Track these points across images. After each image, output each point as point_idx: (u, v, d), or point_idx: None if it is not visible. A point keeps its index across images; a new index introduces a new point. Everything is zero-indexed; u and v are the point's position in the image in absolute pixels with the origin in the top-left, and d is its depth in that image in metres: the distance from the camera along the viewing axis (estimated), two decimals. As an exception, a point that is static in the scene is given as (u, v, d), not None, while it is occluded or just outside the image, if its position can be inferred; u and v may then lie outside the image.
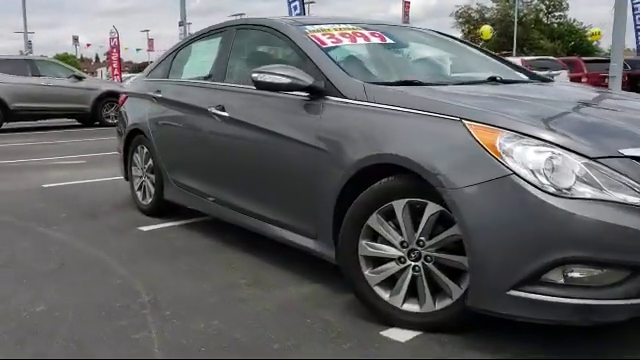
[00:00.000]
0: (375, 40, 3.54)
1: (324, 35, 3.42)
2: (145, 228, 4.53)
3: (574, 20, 55.34)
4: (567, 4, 54.67)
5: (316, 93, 3.05)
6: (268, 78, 3.07)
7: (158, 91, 4.63)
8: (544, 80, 3.73)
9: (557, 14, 55.36)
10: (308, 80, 3.03)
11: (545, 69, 12.07)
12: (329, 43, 3.33)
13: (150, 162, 4.77)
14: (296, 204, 3.16)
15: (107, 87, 14.64)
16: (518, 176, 2.21)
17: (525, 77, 3.75)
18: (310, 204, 3.03)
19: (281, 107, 3.27)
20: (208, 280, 3.34)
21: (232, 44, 3.96)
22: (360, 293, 2.73)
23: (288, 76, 3.03)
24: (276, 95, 3.26)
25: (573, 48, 49.39)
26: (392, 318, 2.64)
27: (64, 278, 3.43)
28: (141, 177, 5.00)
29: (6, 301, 3.07)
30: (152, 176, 4.78)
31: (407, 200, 2.54)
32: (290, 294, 3.10)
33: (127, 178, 5.27)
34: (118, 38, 32.21)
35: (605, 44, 48.68)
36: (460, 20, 50.34)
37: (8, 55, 14.46)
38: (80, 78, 14.13)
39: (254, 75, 3.11)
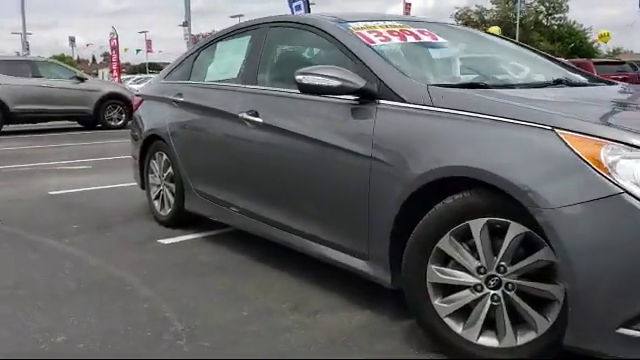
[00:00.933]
0: (426, 39, 3.22)
1: (370, 33, 3.10)
2: (165, 241, 4.20)
3: (574, 22, 55.28)
4: (567, 6, 54.63)
5: (368, 97, 2.74)
6: (315, 80, 2.75)
7: (179, 94, 4.30)
8: (607, 82, 3.41)
9: (557, 16, 55.33)
10: (359, 82, 2.71)
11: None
12: (378, 42, 3.02)
13: (170, 170, 4.44)
14: (344, 220, 2.84)
15: (110, 89, 14.31)
16: (630, 194, 1.89)
17: (584, 79, 3.43)
18: (361, 221, 2.71)
19: (326, 112, 2.95)
20: (245, 303, 3.01)
21: (264, 43, 3.64)
22: (427, 324, 2.40)
23: (337, 78, 2.71)
24: (320, 99, 2.95)
25: (573, 50, 49.28)
26: (465, 353, 2.31)
27: (83, 301, 3.10)
28: (159, 186, 4.67)
29: (21, 330, 2.74)
30: (171, 185, 4.45)
31: (486, 219, 2.22)
32: (340, 322, 2.78)
33: (143, 187, 4.94)
34: (117, 39, 31.89)
35: (604, 46, 48.51)
36: (460, 22, 50.15)
37: (9, 56, 14.09)
38: (82, 79, 13.78)
39: (298, 77, 2.79)
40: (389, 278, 2.61)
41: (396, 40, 3.11)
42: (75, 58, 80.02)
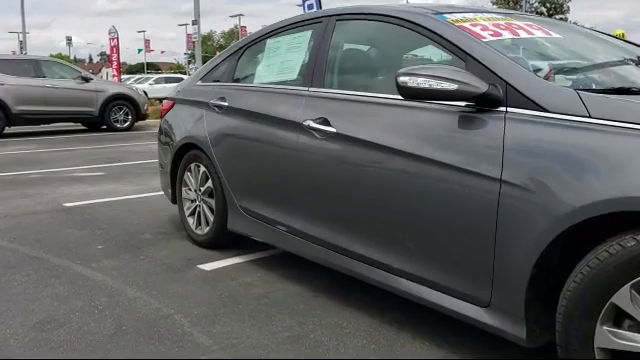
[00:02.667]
0: (539, 34, 2.69)
1: (474, 26, 2.57)
2: (206, 267, 3.66)
3: (575, 23, 54.98)
4: (568, 7, 54.33)
5: (489, 103, 2.20)
6: (425, 83, 2.20)
7: (222, 98, 3.76)
8: None
9: (558, 17, 55.04)
10: (481, 86, 2.17)
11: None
12: (488, 36, 2.47)
13: (209, 184, 3.90)
14: (455, 257, 2.31)
15: (116, 89, 13.74)
16: None
17: None
18: (483, 260, 2.17)
19: (429, 122, 2.42)
20: (325, 353, 2.46)
21: (330, 40, 3.10)
22: (591, 399, 1.86)
23: (454, 80, 2.17)
24: (422, 106, 2.42)
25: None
26: None
27: (128, 349, 2.56)
28: (194, 201, 4.12)
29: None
30: (210, 201, 3.91)
31: (684, 270, 1.68)
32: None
33: (174, 201, 4.39)
34: (118, 39, 31.27)
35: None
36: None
37: (11, 55, 13.49)
38: (87, 79, 13.22)
39: (402, 79, 2.25)
40: (523, 334, 2.08)
41: (508, 35, 2.57)
42: (72, 58, 79.41)
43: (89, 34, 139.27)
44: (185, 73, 52.36)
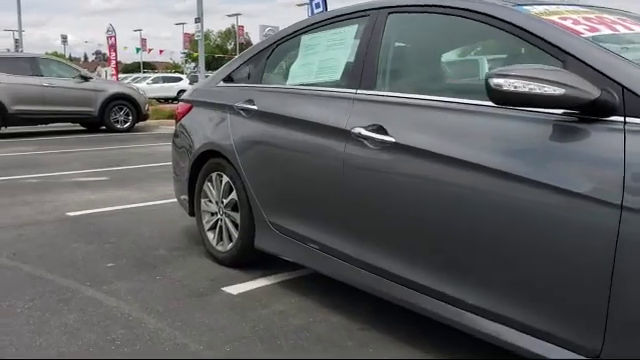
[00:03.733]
0: (638, 29, 2.30)
1: (564, 19, 2.18)
2: (232, 290, 3.27)
3: None
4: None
5: (599, 112, 1.81)
6: (525, 86, 1.82)
7: (250, 101, 3.36)
8: None
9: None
10: (594, 91, 1.78)
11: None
12: (584, 32, 2.08)
13: (233, 196, 3.50)
14: (553, 294, 1.91)
15: (116, 89, 13.31)
16: None
17: None
18: (594, 299, 1.78)
19: (519, 132, 2.03)
20: None
21: (382, 36, 2.71)
22: None
23: (563, 84, 1.78)
24: (506, 113, 2.03)
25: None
26: None
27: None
28: (215, 214, 3.73)
29: None
30: (235, 215, 3.51)
31: None
32: None
33: (192, 213, 3.99)
34: (115, 37, 30.82)
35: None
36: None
37: (7, 52, 13.04)
38: (86, 78, 12.79)
39: (496, 81, 1.86)
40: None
41: (606, 30, 2.18)
42: (67, 56, 78.82)
43: (84, 33, 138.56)
44: (182, 72, 51.91)
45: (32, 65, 12.25)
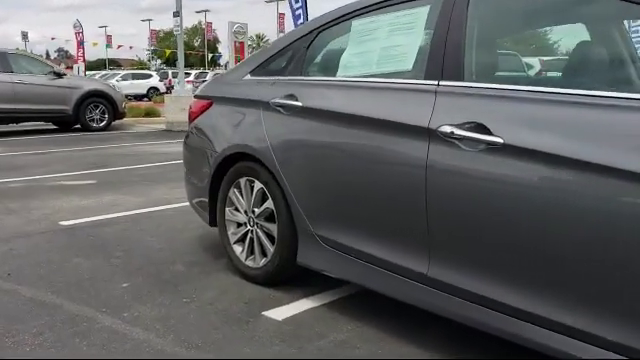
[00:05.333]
0: None
1: None
2: (275, 314, 2.83)
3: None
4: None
5: None
6: None
7: (290, 96, 2.91)
8: None
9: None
10: None
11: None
12: None
13: (268, 205, 3.06)
14: None
15: (91, 86, 12.65)
16: None
17: None
18: None
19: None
20: None
21: (466, 15, 2.28)
22: None
23: None
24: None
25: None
26: None
27: None
28: (243, 225, 3.27)
29: None
30: (270, 226, 3.07)
31: None
32: None
33: (213, 223, 3.52)
34: (83, 33, 29.84)
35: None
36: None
37: (-26, 47, 12.26)
38: (60, 75, 12.11)
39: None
40: None
41: None
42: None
43: (45, 29, 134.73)
44: (148, 69, 50.82)
45: (1, 60, 11.51)
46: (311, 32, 3.04)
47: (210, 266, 3.54)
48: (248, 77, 3.36)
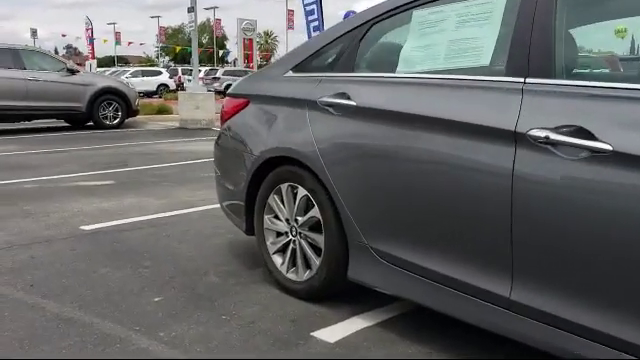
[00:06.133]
0: None
1: None
2: (327, 335, 2.59)
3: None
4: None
5: None
6: None
7: (342, 95, 2.65)
8: None
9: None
10: None
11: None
12: None
13: (314, 213, 2.80)
14: None
15: (105, 83, 12.41)
16: None
17: None
18: None
19: None
20: None
21: (555, 3, 2.00)
22: None
23: None
24: None
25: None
26: None
27: None
28: (284, 234, 3.01)
29: None
30: (316, 237, 2.81)
31: None
32: None
33: (249, 231, 3.26)
34: (92, 30, 29.75)
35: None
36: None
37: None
38: (73, 72, 11.87)
39: None
40: None
41: None
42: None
43: (52, 26, 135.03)
44: (155, 66, 50.65)
45: (14, 57, 11.29)
46: (364, 24, 2.77)
47: (246, 277, 3.29)
48: (290, 74, 3.10)
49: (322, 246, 2.80)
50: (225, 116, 3.51)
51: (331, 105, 2.70)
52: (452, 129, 2.18)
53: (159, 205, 5.09)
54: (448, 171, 2.20)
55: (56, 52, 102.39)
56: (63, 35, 52.26)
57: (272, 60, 66.09)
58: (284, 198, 3.00)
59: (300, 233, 2.93)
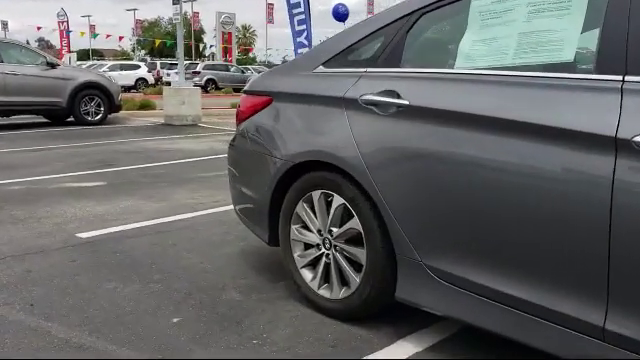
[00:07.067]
0: None
1: None
2: (377, 363, 2.27)
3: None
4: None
5: None
6: None
7: (390, 93, 2.36)
8: None
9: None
10: None
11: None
12: None
13: (353, 224, 2.52)
14: None
15: (86, 77, 11.95)
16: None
17: None
18: None
19: None
20: None
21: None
22: None
23: None
24: None
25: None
26: None
27: None
28: (316, 247, 2.72)
29: None
30: (355, 250, 2.53)
31: None
32: None
33: (273, 242, 2.97)
34: (68, 22, 29.02)
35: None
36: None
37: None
38: (53, 65, 11.40)
39: None
40: None
41: None
42: (9, 43, 74.95)
43: (25, 18, 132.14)
44: (130, 59, 49.79)
45: (-10, 50, 10.77)
46: (411, 14, 2.48)
47: (269, 292, 2.99)
48: (321, 69, 2.80)
49: (363, 261, 2.51)
50: (242, 116, 3.21)
51: (376, 104, 2.41)
52: (529, 133, 1.91)
53: (158, 209, 4.76)
54: (526, 182, 1.93)
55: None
56: (39, 28, 50.85)
57: (250, 55, 65.41)
58: (316, 207, 2.71)
59: (335, 246, 2.64)
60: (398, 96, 2.33)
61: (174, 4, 12.08)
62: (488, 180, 2.04)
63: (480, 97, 2.10)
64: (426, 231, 2.26)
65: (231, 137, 3.35)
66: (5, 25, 76.98)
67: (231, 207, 3.39)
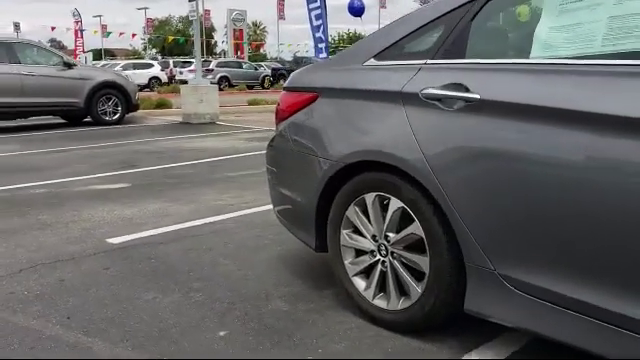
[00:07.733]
0: None
1: None
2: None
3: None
4: None
5: None
6: None
7: (456, 86, 2.17)
8: None
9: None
10: None
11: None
12: None
13: (414, 230, 2.31)
14: None
15: (104, 77, 11.84)
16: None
17: None
18: None
19: None
20: None
21: None
22: None
23: None
24: None
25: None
26: None
27: None
28: (370, 254, 2.53)
29: None
30: (417, 258, 2.34)
31: None
32: None
33: (321, 248, 2.78)
34: (81, 22, 29.04)
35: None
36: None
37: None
38: (70, 65, 11.29)
39: None
40: None
41: None
42: (22, 44, 75.31)
43: (35, 19, 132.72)
44: (141, 58, 49.81)
45: (8, 51, 10.69)
46: (470, 1, 2.27)
47: (316, 301, 2.81)
48: (372, 62, 2.61)
49: (426, 270, 2.32)
50: (283, 114, 3.02)
51: (440, 99, 2.21)
52: (625, 129, 1.70)
53: (187, 212, 4.60)
54: (621, 181, 1.73)
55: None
56: (53, 28, 50.92)
57: (262, 51, 65.24)
58: (369, 210, 2.52)
59: (392, 253, 2.45)
60: (466, 90, 2.13)
61: (190, 1, 11.90)
62: (576, 181, 1.84)
63: (564, 89, 1.90)
64: (501, 238, 2.07)
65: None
66: (17, 27, 77.39)
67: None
